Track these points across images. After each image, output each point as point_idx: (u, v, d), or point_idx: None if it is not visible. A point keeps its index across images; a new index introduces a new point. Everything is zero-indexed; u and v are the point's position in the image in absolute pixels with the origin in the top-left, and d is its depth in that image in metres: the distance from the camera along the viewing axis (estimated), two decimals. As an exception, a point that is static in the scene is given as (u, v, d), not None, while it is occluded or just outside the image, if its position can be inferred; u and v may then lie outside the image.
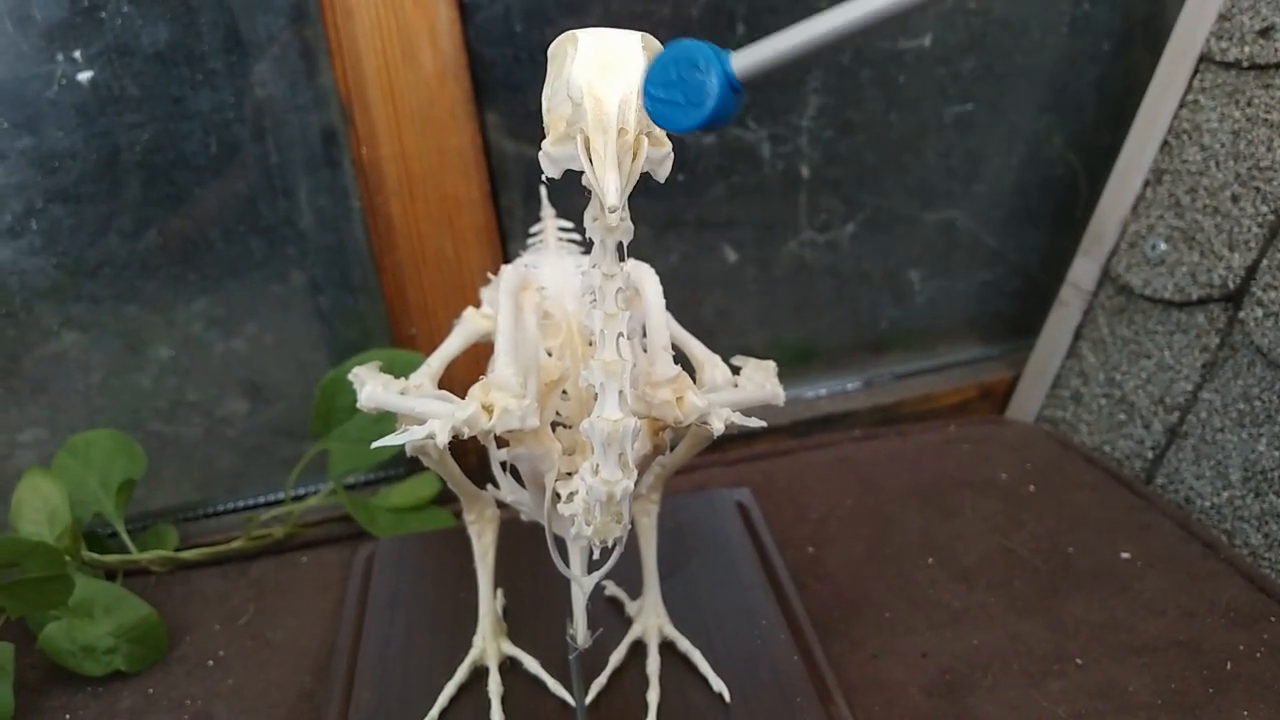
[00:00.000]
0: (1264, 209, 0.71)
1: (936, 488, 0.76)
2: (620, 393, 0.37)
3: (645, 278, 0.48)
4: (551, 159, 0.35)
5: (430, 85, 0.73)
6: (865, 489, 0.77)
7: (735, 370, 0.51)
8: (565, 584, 0.55)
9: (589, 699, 0.53)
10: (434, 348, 0.78)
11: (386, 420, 0.75)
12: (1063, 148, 0.91)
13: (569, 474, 0.42)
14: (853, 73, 0.84)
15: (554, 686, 0.54)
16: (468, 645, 0.56)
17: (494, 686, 0.54)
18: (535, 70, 0.78)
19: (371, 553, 0.68)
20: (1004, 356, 0.94)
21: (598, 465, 0.38)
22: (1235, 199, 0.73)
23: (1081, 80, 0.89)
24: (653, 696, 0.52)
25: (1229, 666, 0.57)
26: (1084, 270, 0.85)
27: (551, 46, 0.35)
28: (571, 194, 0.38)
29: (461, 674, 0.54)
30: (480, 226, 0.78)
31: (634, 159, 0.32)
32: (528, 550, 0.62)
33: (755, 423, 0.45)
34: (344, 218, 0.79)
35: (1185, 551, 0.67)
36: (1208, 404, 0.73)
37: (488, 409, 0.41)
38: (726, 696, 0.52)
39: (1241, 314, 0.72)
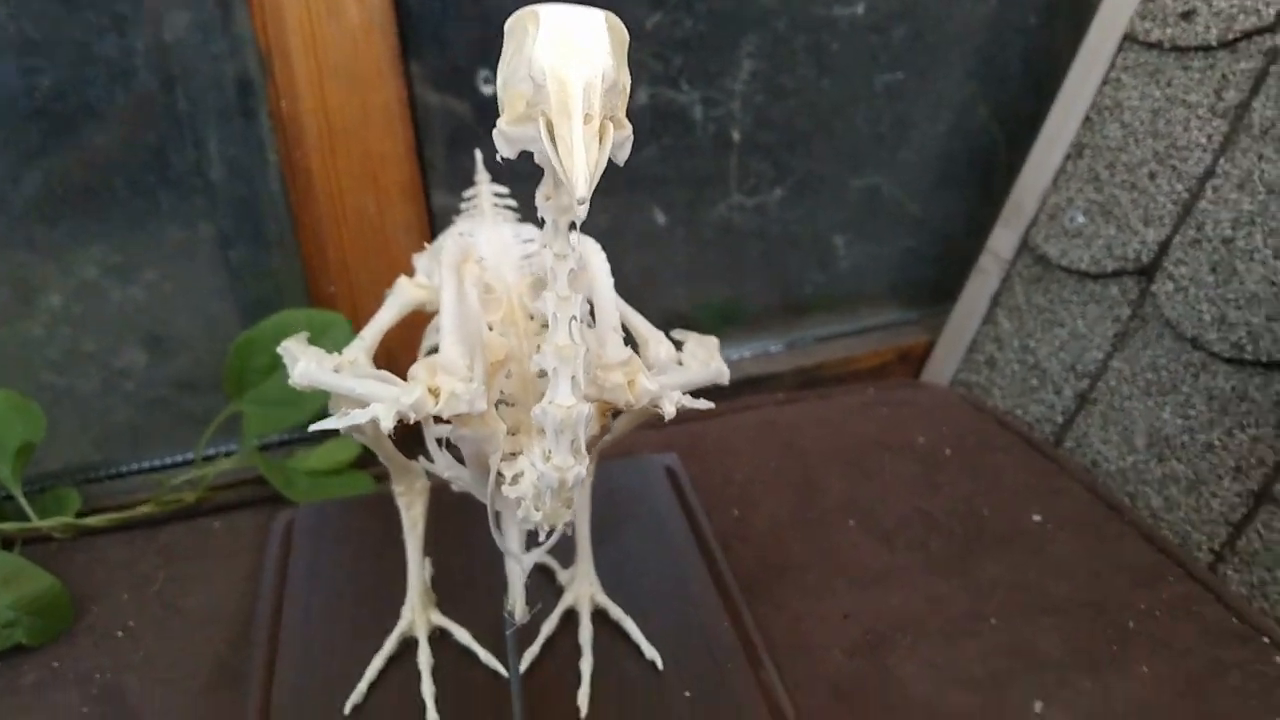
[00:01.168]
0: (1179, 187, 0.73)
1: (857, 451, 0.77)
2: (573, 378, 0.36)
3: (592, 255, 0.47)
4: (508, 139, 0.33)
5: (355, 38, 0.70)
6: (788, 452, 0.78)
7: (678, 345, 0.50)
8: (494, 554, 0.55)
9: (523, 669, 0.53)
10: (353, 306, 0.77)
11: None
12: (987, 118, 0.92)
13: (513, 454, 0.41)
14: (787, 39, 0.83)
15: (485, 657, 0.53)
16: (395, 616, 0.56)
17: (424, 658, 0.53)
18: (464, 23, 0.76)
19: (290, 519, 0.66)
20: (922, 321, 0.96)
21: (549, 451, 0.37)
22: (1152, 176, 0.75)
23: (1007, 52, 0.90)
24: (585, 665, 0.52)
25: (1131, 625, 0.60)
26: (1003, 239, 0.87)
27: (509, 21, 0.33)
28: (513, 162, 0.36)
29: (390, 645, 0.53)
30: (404, 183, 0.76)
31: (600, 145, 0.31)
32: (456, 520, 0.61)
33: (704, 404, 0.45)
34: (259, 171, 0.75)
35: (1092, 514, 0.70)
36: (1117, 372, 0.76)
37: (434, 392, 0.40)
38: (659, 664, 0.53)
39: (1154, 287, 0.74)
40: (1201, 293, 0.70)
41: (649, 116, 0.83)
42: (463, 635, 0.54)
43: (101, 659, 0.60)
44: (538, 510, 0.39)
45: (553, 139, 0.31)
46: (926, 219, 0.94)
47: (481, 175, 0.62)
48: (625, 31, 0.33)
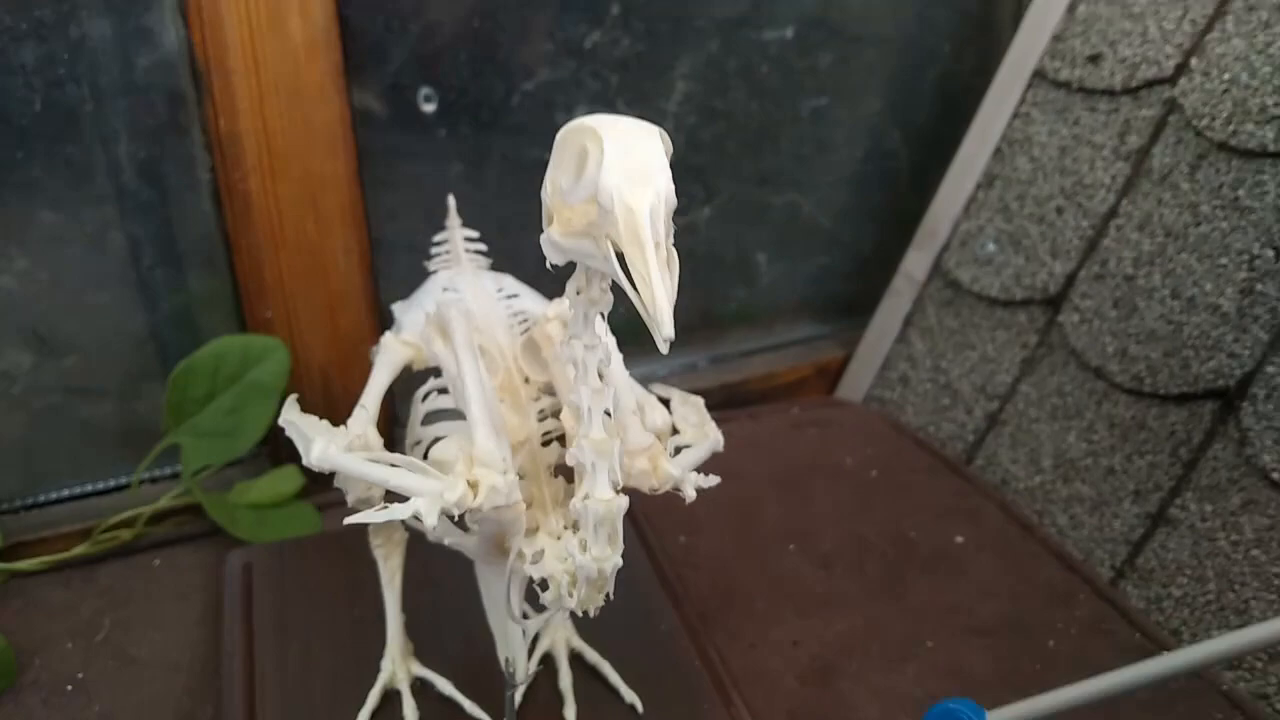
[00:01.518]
0: (1084, 223, 0.79)
1: (791, 474, 0.81)
2: (610, 470, 0.37)
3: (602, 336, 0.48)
4: (561, 249, 0.34)
5: (298, 55, 0.68)
6: (725, 475, 0.80)
7: (664, 402, 0.52)
8: (463, 594, 0.56)
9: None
10: (290, 331, 0.76)
11: (246, 410, 0.72)
12: (900, 142, 0.96)
13: (532, 530, 0.42)
14: (719, 61, 0.85)
15: (470, 708, 0.54)
16: (371, 666, 0.56)
17: (409, 711, 0.54)
18: (408, 40, 0.74)
19: (247, 562, 0.65)
20: (836, 336, 1.00)
21: (585, 542, 0.38)
22: (1060, 211, 0.81)
23: (921, 80, 0.94)
24: (569, 713, 0.54)
25: (1051, 644, 0.66)
26: (916, 262, 0.92)
27: (563, 133, 0.34)
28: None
29: (373, 700, 0.54)
30: (345, 205, 0.74)
31: (669, 274, 0.32)
32: (424, 563, 0.61)
33: (713, 480, 0.47)
34: (189, 189, 0.73)
35: (1007, 533, 0.76)
36: (1025, 396, 0.82)
37: (472, 486, 0.40)
38: (639, 707, 0.55)
39: (1060, 318, 0.80)
40: (1105, 326, 0.76)
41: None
42: (445, 686, 0.55)
43: (53, 717, 0.58)
44: (572, 597, 0.40)
45: (622, 267, 0.31)
46: (843, 238, 0.98)
47: (453, 220, 0.62)
48: (670, 144, 0.34)
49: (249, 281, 0.74)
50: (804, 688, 0.62)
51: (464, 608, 0.59)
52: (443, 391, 0.51)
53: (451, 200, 0.63)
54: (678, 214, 0.95)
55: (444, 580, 0.60)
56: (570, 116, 0.85)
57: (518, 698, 0.55)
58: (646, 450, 0.43)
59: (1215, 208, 0.71)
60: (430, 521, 0.39)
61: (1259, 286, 0.67)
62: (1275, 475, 0.64)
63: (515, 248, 0.82)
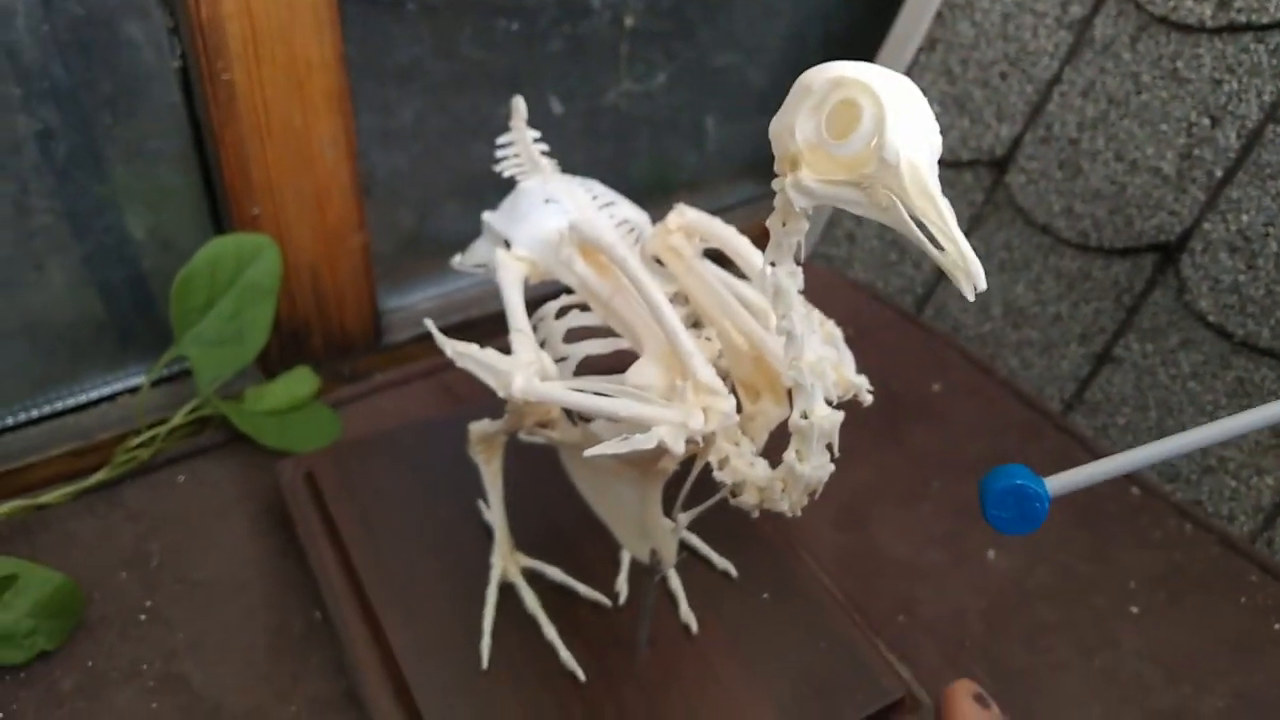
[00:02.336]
0: (1028, 89, 0.85)
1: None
2: (825, 388, 0.40)
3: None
4: (814, 195, 0.35)
5: (284, -70, 0.62)
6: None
7: None
8: (552, 493, 0.58)
9: (623, 599, 0.58)
10: (279, 227, 0.73)
11: (247, 314, 0.69)
12: (840, 4, 0.98)
13: (722, 460, 0.44)
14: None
15: (585, 591, 0.58)
16: (475, 564, 0.58)
17: (530, 600, 0.56)
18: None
19: (308, 471, 0.64)
20: (776, 195, 1.04)
21: (799, 452, 0.41)
22: (1004, 76, 0.87)
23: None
24: (676, 585, 0.58)
25: (1031, 474, 0.75)
26: (858, 123, 0.96)
27: (816, 82, 0.34)
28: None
29: (493, 596, 0.56)
30: (332, 91, 0.70)
31: None
32: (514, 466, 0.62)
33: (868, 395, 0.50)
34: (159, 80, 0.66)
35: (972, 378, 0.84)
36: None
37: (705, 412, 0.42)
38: (733, 572, 0.60)
39: (1007, 179, 0.87)
40: (1051, 186, 0.84)
41: (553, 8, 0.81)
42: (556, 574, 0.58)
43: (138, 649, 0.57)
44: (789, 508, 0.43)
45: (915, 221, 0.33)
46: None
47: (519, 121, 0.60)
48: None
49: (236, 178, 0.69)
50: (841, 534, 0.69)
51: (550, 505, 0.62)
52: (584, 309, 0.51)
53: (519, 101, 0.60)
54: (636, 79, 0.95)
55: (523, 480, 0.62)
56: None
57: (623, 581, 0.59)
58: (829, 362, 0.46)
59: (1155, 78, 0.78)
60: (679, 449, 0.41)
61: (1196, 151, 0.76)
62: (1210, 318, 0.75)
63: (483, 113, 0.81)
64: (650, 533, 0.52)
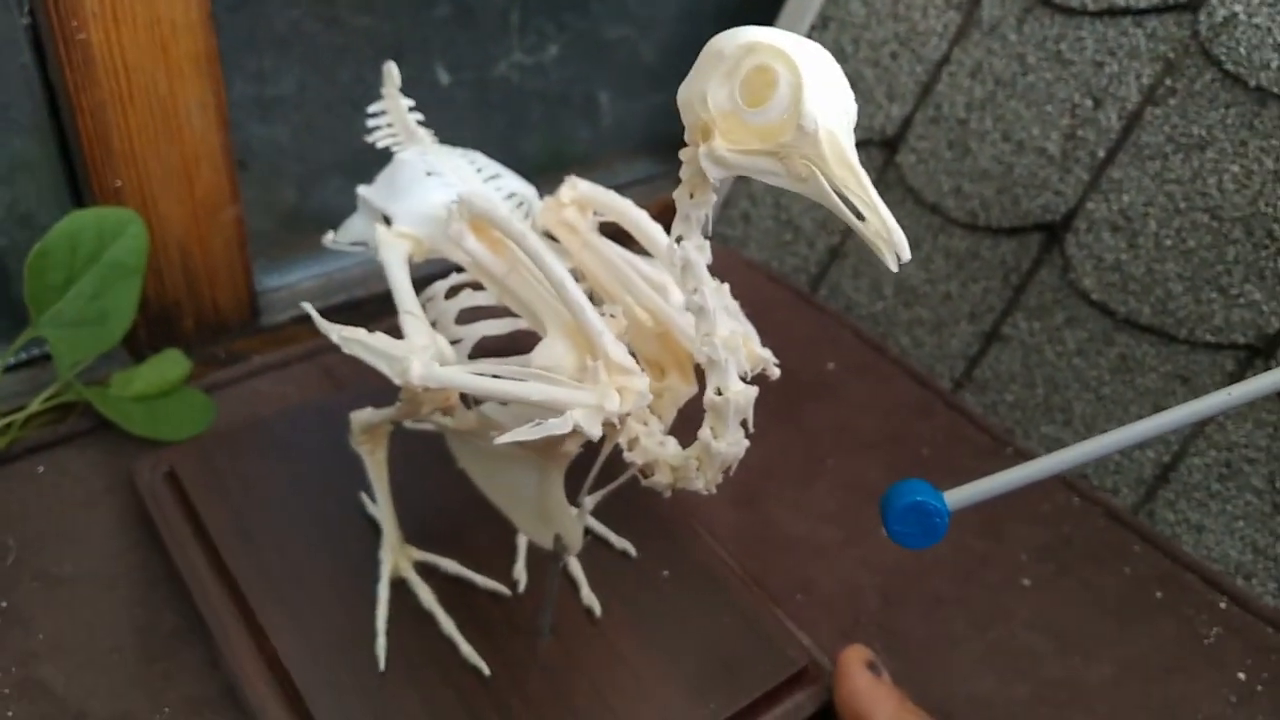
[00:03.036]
0: (918, 69, 0.86)
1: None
2: (739, 362, 0.39)
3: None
4: (727, 164, 0.34)
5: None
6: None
7: None
8: (446, 481, 0.56)
9: (522, 587, 0.56)
10: (143, 200, 0.68)
11: (110, 294, 0.65)
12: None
13: (630, 441, 0.43)
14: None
15: (482, 581, 0.56)
16: (361, 561, 0.55)
17: (425, 595, 0.54)
18: None
19: (169, 470, 0.59)
20: (670, 175, 1.03)
21: (715, 429, 0.40)
22: (894, 56, 0.87)
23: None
24: (576, 568, 0.57)
25: (924, 452, 0.76)
26: (753, 101, 0.96)
27: (727, 48, 0.33)
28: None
29: (384, 593, 0.53)
30: (199, 55, 0.65)
31: None
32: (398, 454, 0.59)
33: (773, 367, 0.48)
34: (4, 38, 0.61)
35: (865, 357, 0.85)
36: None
37: (620, 392, 0.40)
38: (631, 551, 0.59)
39: (898, 158, 0.88)
40: (940, 166, 0.85)
41: (442, -27, 0.78)
42: (451, 565, 0.56)
43: (-5, 653, 0.52)
44: (704, 486, 0.42)
45: (834, 189, 0.32)
46: (678, 76, 0.99)
47: (392, 89, 0.57)
48: None
49: (95, 147, 0.64)
50: (737, 512, 0.68)
51: (437, 494, 0.60)
52: (476, 288, 0.49)
53: (391, 67, 0.57)
54: (529, 52, 0.93)
55: (408, 468, 0.59)
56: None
57: (521, 567, 0.57)
58: (739, 335, 0.45)
59: (1040, 59, 0.80)
60: (595, 432, 0.39)
61: (1080, 132, 0.78)
62: (1094, 296, 0.77)
63: (367, 81, 0.77)
64: (553, 518, 0.50)
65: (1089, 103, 0.77)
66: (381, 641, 0.52)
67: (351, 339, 0.43)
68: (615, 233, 0.51)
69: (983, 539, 0.69)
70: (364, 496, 0.59)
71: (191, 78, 0.66)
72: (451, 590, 0.56)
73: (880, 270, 0.89)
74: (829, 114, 0.32)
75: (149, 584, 0.57)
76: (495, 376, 0.41)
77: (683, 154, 0.37)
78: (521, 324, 0.48)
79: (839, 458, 0.74)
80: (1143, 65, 0.74)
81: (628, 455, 0.43)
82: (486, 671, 0.52)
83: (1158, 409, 0.74)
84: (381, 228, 0.50)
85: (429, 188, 0.51)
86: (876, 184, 0.88)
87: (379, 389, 0.60)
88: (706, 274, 0.39)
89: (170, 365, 0.67)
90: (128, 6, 0.61)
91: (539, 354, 0.43)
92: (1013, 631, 0.63)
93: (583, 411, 0.39)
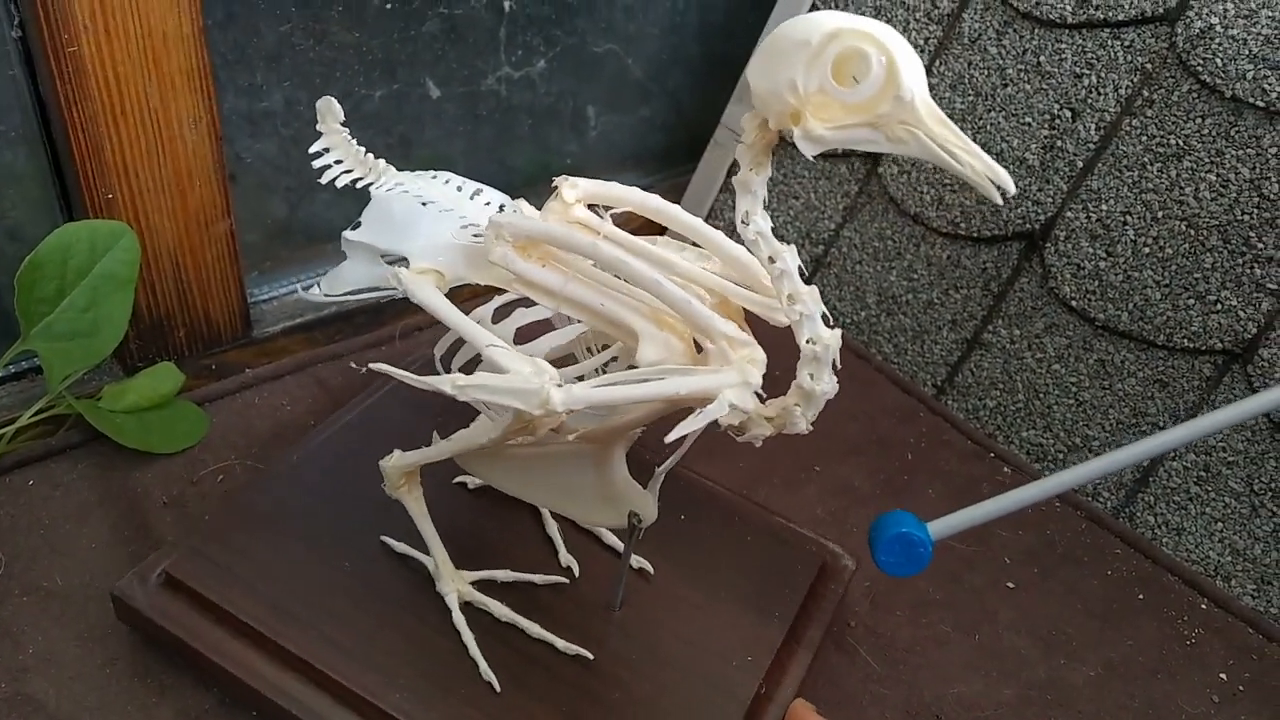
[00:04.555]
0: (901, 82, 0.87)
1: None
2: (822, 312, 0.42)
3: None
4: (824, 141, 0.37)
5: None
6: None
7: None
8: (455, 501, 0.56)
9: (577, 571, 0.59)
10: (136, 213, 0.69)
11: (103, 306, 0.65)
12: (717, -6, 0.99)
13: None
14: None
15: (542, 579, 0.57)
16: (410, 601, 0.55)
17: (501, 609, 0.55)
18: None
19: (163, 574, 0.54)
20: (661, 187, 1.04)
21: (813, 375, 0.42)
22: (877, 69, 0.89)
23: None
24: (610, 539, 0.61)
25: (909, 456, 0.78)
26: (737, 114, 0.97)
27: (816, 34, 0.36)
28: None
29: (461, 620, 0.54)
30: (192, 69, 0.66)
31: None
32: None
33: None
34: (-5, 50, 0.61)
35: (849, 364, 0.84)
36: (848, 240, 0.92)
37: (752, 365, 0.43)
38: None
39: (880, 169, 0.89)
40: (922, 176, 0.86)
41: (431, -13, 0.79)
42: (505, 574, 0.57)
43: (-15, 668, 0.52)
44: (806, 425, 0.44)
45: (944, 149, 0.36)
46: (664, 90, 1.00)
47: (335, 123, 0.56)
48: None
49: (88, 160, 0.64)
50: (728, 522, 0.69)
51: (454, 514, 0.61)
52: (525, 305, 0.50)
53: (326, 102, 0.56)
54: (515, 65, 0.94)
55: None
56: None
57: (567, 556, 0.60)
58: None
59: (1020, 71, 0.81)
60: (751, 406, 0.42)
61: (1059, 143, 0.79)
62: (1073, 302, 0.78)
63: (355, 95, 0.78)
64: (624, 497, 0.51)
65: (1068, 113, 0.79)
66: (483, 666, 0.52)
67: (470, 386, 0.43)
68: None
69: (967, 542, 0.70)
70: (386, 540, 0.58)
71: (184, 91, 0.66)
72: (512, 598, 0.56)
73: (863, 280, 0.90)
74: (919, 83, 0.36)
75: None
76: (631, 383, 0.42)
77: (745, 139, 0.40)
78: (582, 328, 0.49)
79: (826, 464, 0.75)
80: (1121, 76, 0.76)
81: (725, 419, 0.43)
82: (590, 656, 0.54)
83: (1136, 413, 0.76)
84: (404, 271, 0.49)
85: (433, 218, 0.51)
86: (858, 195, 0.90)
87: (379, 412, 0.62)
88: (775, 240, 0.42)
89: (162, 378, 0.67)
90: (119, 20, 0.61)
91: (645, 353, 0.44)
92: (998, 633, 0.64)
93: (734, 391, 0.42)
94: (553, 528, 0.61)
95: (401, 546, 0.58)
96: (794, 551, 0.62)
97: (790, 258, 0.42)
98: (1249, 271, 0.70)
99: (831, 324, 0.43)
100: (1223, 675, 0.63)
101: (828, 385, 0.43)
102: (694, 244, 0.49)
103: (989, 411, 0.83)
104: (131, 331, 0.71)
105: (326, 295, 0.55)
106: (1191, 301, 0.73)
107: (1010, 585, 0.67)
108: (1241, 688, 0.63)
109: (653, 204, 0.50)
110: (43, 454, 0.64)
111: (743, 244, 0.43)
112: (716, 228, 0.49)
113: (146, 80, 0.64)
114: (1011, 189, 0.37)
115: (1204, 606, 0.68)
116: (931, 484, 0.76)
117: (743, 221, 0.42)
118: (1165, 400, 0.75)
